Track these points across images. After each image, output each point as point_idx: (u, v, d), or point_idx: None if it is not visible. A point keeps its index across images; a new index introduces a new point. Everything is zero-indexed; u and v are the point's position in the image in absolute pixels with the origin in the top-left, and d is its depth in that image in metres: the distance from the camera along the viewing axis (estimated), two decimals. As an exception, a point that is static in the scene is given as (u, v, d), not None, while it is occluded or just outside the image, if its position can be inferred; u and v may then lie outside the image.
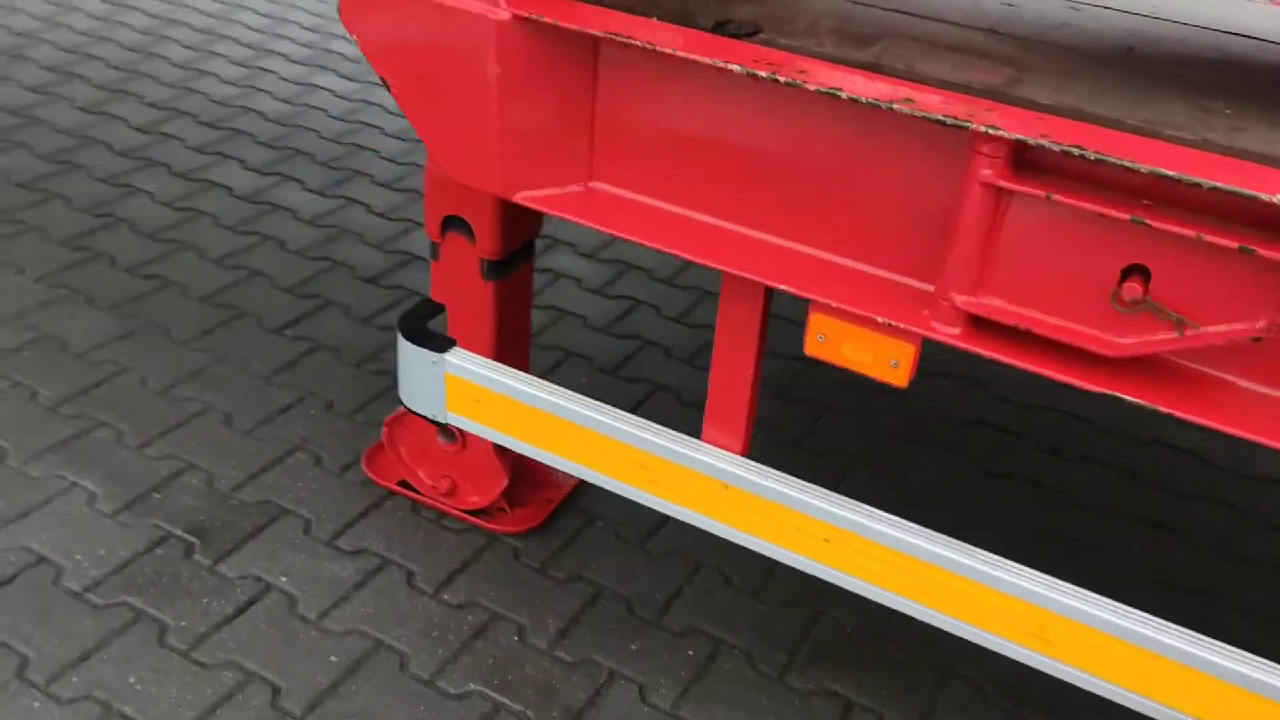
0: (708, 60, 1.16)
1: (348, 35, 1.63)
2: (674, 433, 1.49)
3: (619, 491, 1.55)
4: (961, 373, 2.48)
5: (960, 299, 1.15)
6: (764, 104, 1.23)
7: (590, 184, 1.38)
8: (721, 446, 1.47)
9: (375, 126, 3.47)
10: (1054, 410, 2.41)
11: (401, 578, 1.87)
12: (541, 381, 1.57)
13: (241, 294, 2.61)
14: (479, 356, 1.61)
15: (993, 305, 1.15)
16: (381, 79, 1.37)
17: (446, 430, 2.02)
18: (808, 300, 1.25)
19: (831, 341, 1.24)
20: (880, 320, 1.19)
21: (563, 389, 1.56)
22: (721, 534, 1.48)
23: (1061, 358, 1.13)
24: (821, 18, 1.24)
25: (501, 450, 1.96)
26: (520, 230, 1.81)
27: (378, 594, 1.83)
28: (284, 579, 1.84)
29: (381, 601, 1.81)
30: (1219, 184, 0.96)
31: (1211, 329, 1.05)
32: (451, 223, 1.85)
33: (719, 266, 1.29)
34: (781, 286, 1.24)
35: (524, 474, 2.01)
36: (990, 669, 1.64)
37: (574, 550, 1.98)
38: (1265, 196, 0.94)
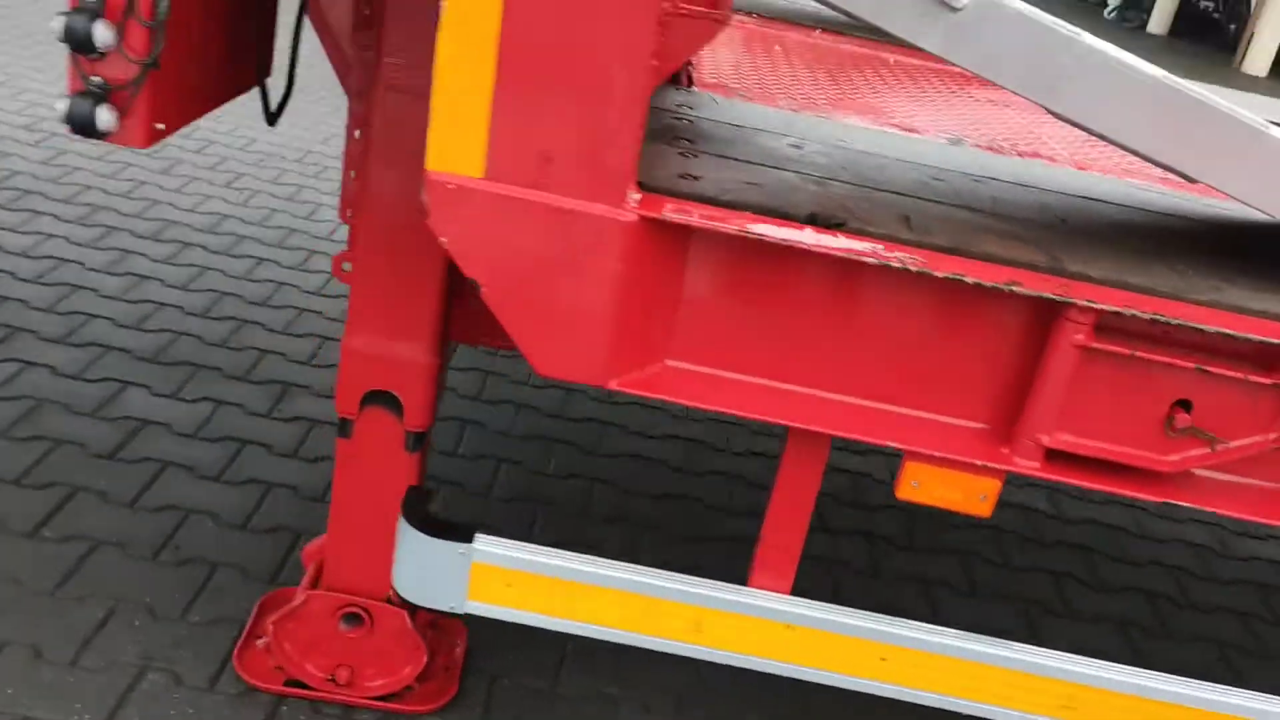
0: (840, 253, 1.30)
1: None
2: (724, 584, 1.57)
3: (667, 649, 1.58)
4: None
5: (1044, 438, 1.39)
6: (848, 282, 1.39)
7: (667, 362, 1.43)
8: (771, 589, 1.58)
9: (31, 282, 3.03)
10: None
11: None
12: (578, 555, 1.56)
13: (-40, 501, 2.19)
14: (505, 540, 1.56)
15: (1067, 439, 1.40)
16: (471, 281, 1.32)
17: (352, 617, 1.89)
18: (898, 452, 1.42)
19: (925, 486, 1.42)
20: (974, 462, 1.40)
21: (599, 559, 1.57)
22: (779, 671, 1.58)
23: (1122, 476, 1.41)
24: (879, 208, 1.42)
25: (423, 627, 1.89)
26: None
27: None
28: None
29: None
30: (1266, 338, 1.29)
31: (1236, 443, 1.38)
32: (374, 398, 1.77)
33: (815, 428, 1.42)
34: (883, 441, 1.40)
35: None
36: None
37: (498, 713, 1.94)
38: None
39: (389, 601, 1.83)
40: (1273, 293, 1.37)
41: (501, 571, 1.55)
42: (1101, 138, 1.36)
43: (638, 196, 1.29)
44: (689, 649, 1.58)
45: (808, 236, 1.32)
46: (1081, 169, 1.88)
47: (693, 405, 1.42)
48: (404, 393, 1.76)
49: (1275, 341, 1.30)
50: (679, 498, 2.64)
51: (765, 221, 1.31)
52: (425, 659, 1.90)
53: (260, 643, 1.94)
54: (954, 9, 1.29)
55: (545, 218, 1.28)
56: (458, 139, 1.25)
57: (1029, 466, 1.40)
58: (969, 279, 1.30)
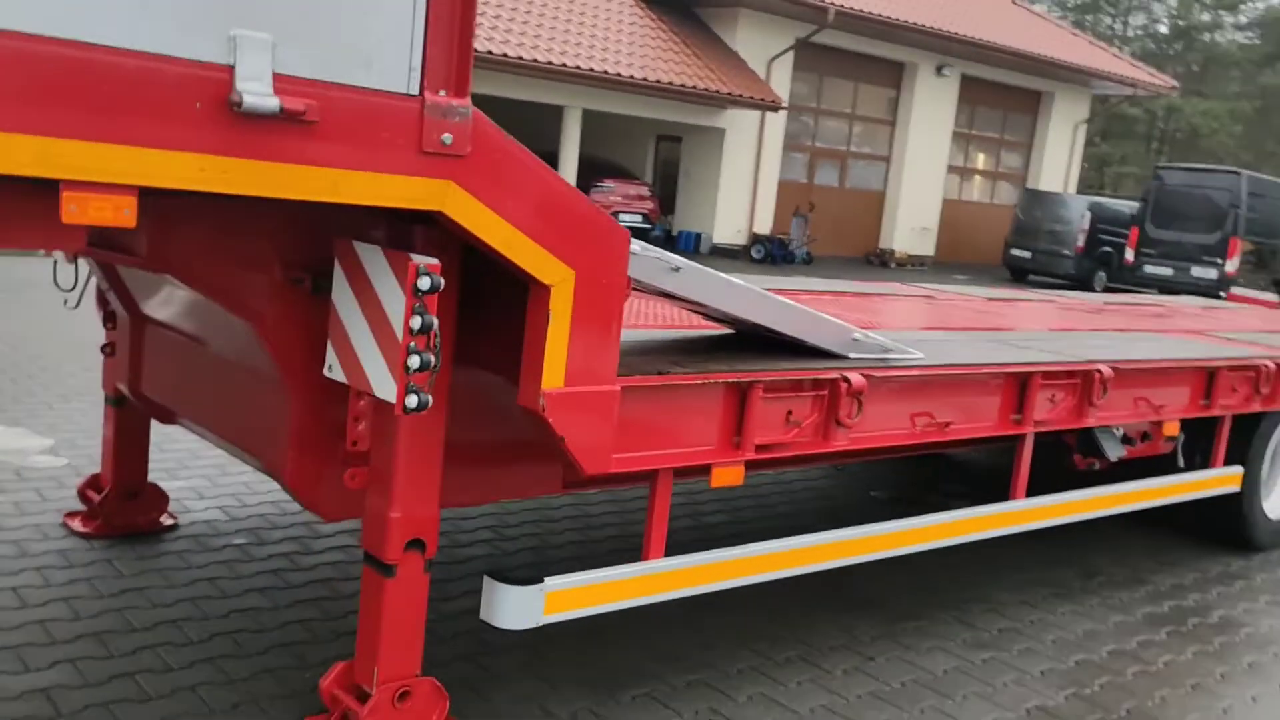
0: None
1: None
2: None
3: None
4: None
5: (755, 441, 3.24)
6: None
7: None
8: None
9: None
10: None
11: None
12: (598, 569, 3.00)
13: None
14: (559, 576, 2.94)
15: (763, 442, 3.27)
16: (559, 436, 2.75)
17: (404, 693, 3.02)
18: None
19: (717, 478, 3.18)
20: (734, 460, 3.20)
21: (609, 567, 3.02)
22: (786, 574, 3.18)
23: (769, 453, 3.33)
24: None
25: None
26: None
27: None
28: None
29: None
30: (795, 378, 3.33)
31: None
32: (412, 545, 2.98)
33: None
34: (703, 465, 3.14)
35: None
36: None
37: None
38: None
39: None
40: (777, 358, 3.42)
41: (560, 594, 2.92)
42: (731, 316, 3.29)
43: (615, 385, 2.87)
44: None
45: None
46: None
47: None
48: (427, 537, 2.98)
49: (796, 378, 3.34)
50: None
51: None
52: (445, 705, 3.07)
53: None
54: (676, 270, 3.12)
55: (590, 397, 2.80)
56: (552, 371, 2.71)
57: (748, 456, 3.24)
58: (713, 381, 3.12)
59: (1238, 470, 5.32)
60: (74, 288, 3.96)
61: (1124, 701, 3.81)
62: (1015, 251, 23.26)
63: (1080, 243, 22.28)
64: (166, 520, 4.47)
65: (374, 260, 2.66)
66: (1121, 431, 4.72)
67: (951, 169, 26.48)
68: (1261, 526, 5.66)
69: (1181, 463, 5.16)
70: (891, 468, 6.32)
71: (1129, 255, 20.43)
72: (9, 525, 4.27)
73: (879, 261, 24.13)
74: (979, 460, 6.41)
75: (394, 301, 2.59)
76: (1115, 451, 4.68)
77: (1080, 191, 29.31)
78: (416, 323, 2.50)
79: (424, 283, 2.50)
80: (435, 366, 2.55)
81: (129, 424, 4.30)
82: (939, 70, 24.86)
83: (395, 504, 2.89)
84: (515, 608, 2.92)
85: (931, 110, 25.12)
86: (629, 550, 3.37)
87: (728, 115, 21.24)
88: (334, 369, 2.82)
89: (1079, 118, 28.70)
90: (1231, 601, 4.95)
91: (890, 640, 4.08)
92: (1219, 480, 5.25)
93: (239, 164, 2.16)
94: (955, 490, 5.96)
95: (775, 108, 21.16)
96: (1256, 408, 5.15)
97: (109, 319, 4.17)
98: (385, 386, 2.63)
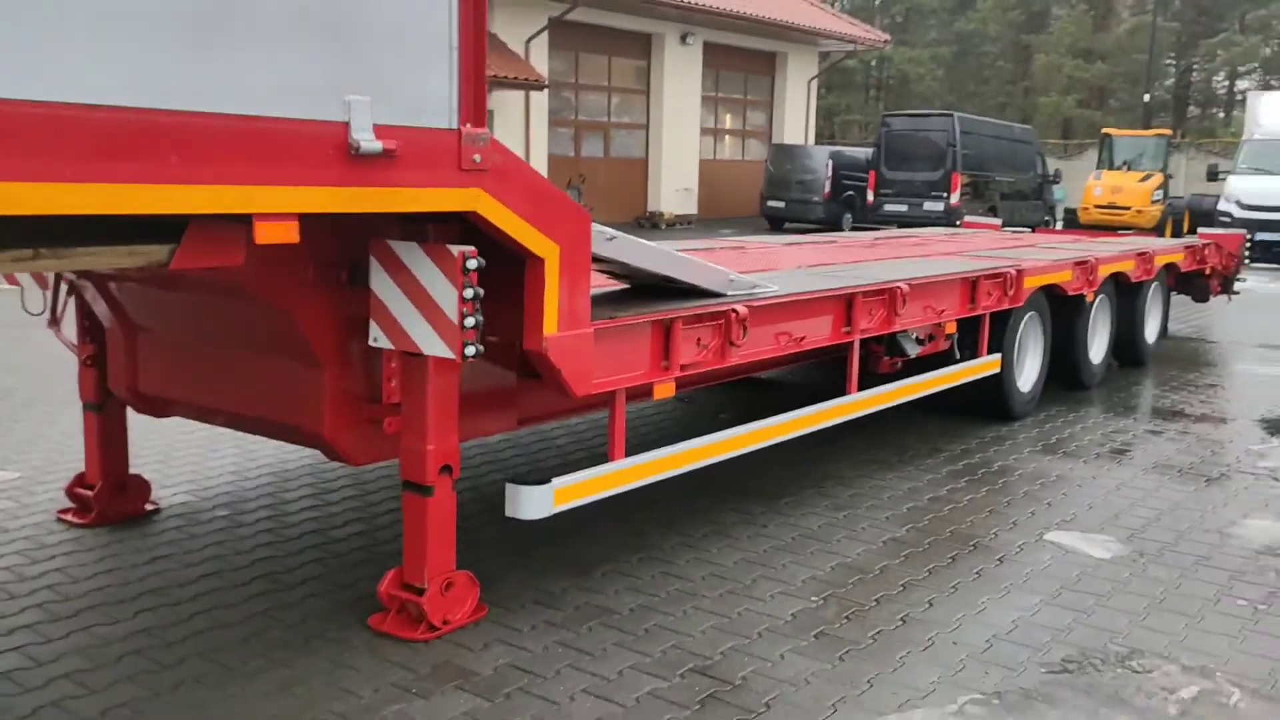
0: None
1: None
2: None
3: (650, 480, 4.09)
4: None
5: (679, 362, 4.31)
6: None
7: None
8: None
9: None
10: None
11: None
12: (596, 467, 3.99)
13: None
14: (564, 475, 3.91)
15: (684, 364, 4.34)
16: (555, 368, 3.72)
17: (449, 584, 3.95)
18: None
19: (657, 392, 4.23)
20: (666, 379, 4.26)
21: (600, 465, 4.01)
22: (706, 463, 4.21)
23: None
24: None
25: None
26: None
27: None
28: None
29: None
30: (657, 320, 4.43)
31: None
32: (444, 470, 3.89)
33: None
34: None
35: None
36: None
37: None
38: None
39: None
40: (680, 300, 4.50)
41: (565, 489, 3.91)
42: (640, 270, 4.33)
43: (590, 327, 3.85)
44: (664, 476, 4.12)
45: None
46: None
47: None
48: (453, 463, 3.89)
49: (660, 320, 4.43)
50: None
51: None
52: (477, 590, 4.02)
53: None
54: (611, 239, 4.13)
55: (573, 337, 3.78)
56: (550, 321, 3.67)
57: (675, 374, 4.30)
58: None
59: (997, 357, 6.85)
60: (41, 312, 4.59)
61: (947, 527, 5.16)
62: (770, 203, 25.35)
63: (826, 189, 24.58)
64: (149, 507, 5.10)
65: (411, 253, 3.54)
66: (915, 334, 6.10)
67: (704, 131, 28.33)
68: (1017, 398, 7.26)
69: (957, 355, 6.62)
70: (730, 396, 7.56)
71: (870, 197, 22.79)
72: (9, 528, 4.81)
73: (650, 224, 25.65)
74: (793, 380, 7.75)
75: (435, 280, 3.49)
76: (913, 350, 6.06)
77: (818, 142, 31.94)
78: (469, 293, 3.42)
79: (471, 264, 3.42)
80: (480, 324, 3.47)
81: (109, 425, 4.91)
82: (683, 39, 26.54)
83: (430, 439, 3.78)
84: (535, 502, 3.89)
85: (680, 77, 26.80)
86: (589, 463, 4.38)
87: (494, 97, 22.00)
88: (379, 339, 3.68)
89: (810, 74, 31.21)
90: (1004, 455, 6.47)
91: (775, 513, 5.28)
92: (985, 366, 6.76)
93: (356, 191, 3.03)
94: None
95: (539, 86, 22.15)
96: (1006, 305, 6.68)
97: (88, 334, 4.77)
98: (434, 345, 3.53)
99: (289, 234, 2.89)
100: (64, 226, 2.60)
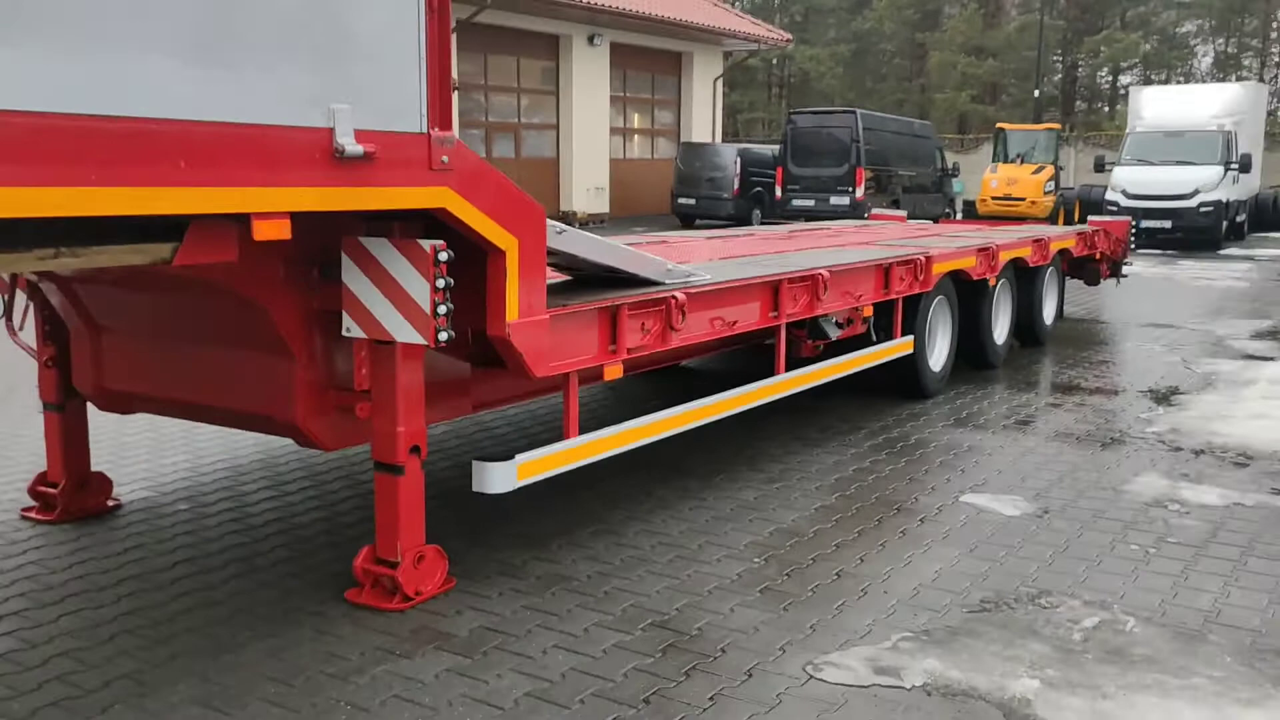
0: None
1: None
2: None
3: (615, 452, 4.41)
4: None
5: (627, 346, 4.64)
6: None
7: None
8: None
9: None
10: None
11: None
12: (559, 443, 4.29)
13: None
14: (526, 452, 4.22)
15: (632, 347, 4.67)
16: (518, 352, 4.02)
17: (420, 556, 4.24)
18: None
19: (608, 374, 4.55)
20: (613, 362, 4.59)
21: (561, 441, 4.32)
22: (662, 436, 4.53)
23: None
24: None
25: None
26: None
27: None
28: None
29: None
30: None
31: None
32: (413, 450, 4.17)
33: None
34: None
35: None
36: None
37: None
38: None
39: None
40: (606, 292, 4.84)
41: (535, 462, 4.22)
42: (585, 261, 4.66)
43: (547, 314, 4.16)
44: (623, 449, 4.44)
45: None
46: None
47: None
48: (421, 444, 4.17)
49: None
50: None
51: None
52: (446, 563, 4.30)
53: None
54: (560, 233, 4.45)
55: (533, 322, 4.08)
56: (511, 308, 3.98)
57: (623, 357, 4.63)
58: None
59: (910, 339, 7.34)
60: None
61: (872, 494, 5.59)
62: (681, 200, 25.81)
63: (735, 186, 25.13)
64: (112, 503, 5.25)
65: (383, 248, 3.82)
66: (835, 318, 6.53)
67: (614, 130, 28.69)
68: (929, 377, 7.77)
69: (874, 338, 7.08)
70: (652, 385, 7.92)
71: (778, 193, 23.40)
72: (-21, 526, 4.93)
73: (564, 224, 25.84)
74: (713, 369, 8.15)
75: (407, 273, 3.76)
76: (834, 333, 6.49)
77: (724, 140, 32.55)
78: (440, 283, 3.71)
79: (442, 256, 3.70)
80: (450, 311, 3.76)
81: (70, 424, 5.06)
82: (591, 40, 26.86)
83: (400, 421, 4.05)
84: (499, 477, 4.19)
85: (589, 78, 27.11)
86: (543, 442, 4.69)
87: (406, 99, 22.04)
88: (352, 330, 3.95)
89: (715, 73, 31.79)
90: (920, 429, 6.95)
91: (712, 489, 5.65)
92: (899, 347, 7.24)
93: (340, 191, 3.30)
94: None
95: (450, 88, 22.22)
96: (917, 290, 7.17)
97: (48, 336, 4.91)
98: (406, 333, 3.81)
99: (283, 231, 3.16)
100: (84, 228, 2.82)
